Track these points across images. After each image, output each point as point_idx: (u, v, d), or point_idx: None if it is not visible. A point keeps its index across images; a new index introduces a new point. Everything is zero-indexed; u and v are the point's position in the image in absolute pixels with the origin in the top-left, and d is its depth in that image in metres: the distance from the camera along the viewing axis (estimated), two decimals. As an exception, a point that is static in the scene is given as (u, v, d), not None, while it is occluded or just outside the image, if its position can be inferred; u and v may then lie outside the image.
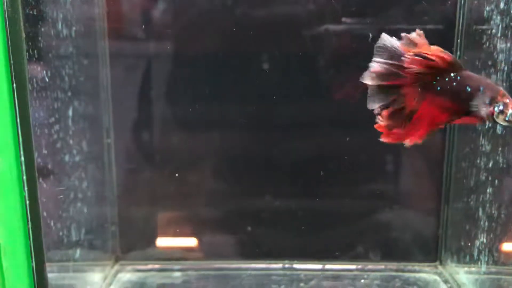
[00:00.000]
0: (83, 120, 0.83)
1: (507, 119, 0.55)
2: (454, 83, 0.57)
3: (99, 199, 0.94)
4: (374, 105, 0.59)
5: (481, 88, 0.56)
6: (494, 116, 0.56)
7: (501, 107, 0.55)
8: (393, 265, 0.99)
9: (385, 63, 0.57)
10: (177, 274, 0.97)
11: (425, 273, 0.98)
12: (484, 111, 0.56)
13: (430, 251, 1.00)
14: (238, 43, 0.92)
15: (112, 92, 0.94)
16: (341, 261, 0.99)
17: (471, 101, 0.57)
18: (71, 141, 0.78)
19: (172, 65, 0.94)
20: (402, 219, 0.99)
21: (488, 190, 0.81)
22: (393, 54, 0.56)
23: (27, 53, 0.55)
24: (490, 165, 0.81)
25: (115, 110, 0.95)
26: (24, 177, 0.55)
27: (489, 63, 0.80)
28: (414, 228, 1.00)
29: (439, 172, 0.96)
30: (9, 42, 0.50)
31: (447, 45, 0.89)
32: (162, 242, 1.02)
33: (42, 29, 0.67)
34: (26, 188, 0.55)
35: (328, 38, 0.91)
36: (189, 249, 1.02)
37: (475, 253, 0.85)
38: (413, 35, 0.56)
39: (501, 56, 0.77)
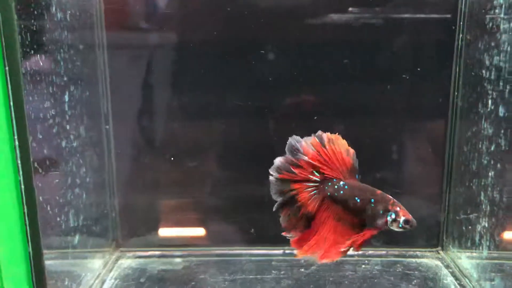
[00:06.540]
0: (80, 106, 0.82)
1: (400, 226, 0.61)
2: (342, 191, 0.62)
3: (99, 186, 0.94)
4: (273, 194, 0.66)
5: (372, 200, 0.61)
6: (388, 225, 0.61)
7: (393, 216, 0.61)
8: (394, 250, 0.99)
9: (285, 159, 0.64)
10: (178, 260, 0.97)
11: (427, 258, 0.97)
12: (379, 221, 0.61)
13: (432, 237, 0.99)
14: (239, 30, 0.91)
15: (110, 78, 0.93)
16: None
17: (364, 212, 0.62)
18: (68, 127, 0.77)
19: (172, 51, 0.93)
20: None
21: (490, 174, 0.80)
22: (295, 153, 0.63)
23: (19, 36, 0.54)
24: (492, 148, 0.80)
25: (113, 96, 0.94)
26: (19, 161, 0.54)
27: (492, 44, 0.78)
28: (416, 213, 0.99)
29: (441, 156, 0.96)
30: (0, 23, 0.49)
31: (449, 26, 0.89)
32: (163, 228, 1.01)
33: (35, 12, 0.66)
34: (20, 172, 0.54)
35: (333, 27, 0.90)
36: (189, 236, 1.01)
37: (477, 238, 0.85)
38: (323, 136, 0.64)
39: (504, 37, 0.76)
